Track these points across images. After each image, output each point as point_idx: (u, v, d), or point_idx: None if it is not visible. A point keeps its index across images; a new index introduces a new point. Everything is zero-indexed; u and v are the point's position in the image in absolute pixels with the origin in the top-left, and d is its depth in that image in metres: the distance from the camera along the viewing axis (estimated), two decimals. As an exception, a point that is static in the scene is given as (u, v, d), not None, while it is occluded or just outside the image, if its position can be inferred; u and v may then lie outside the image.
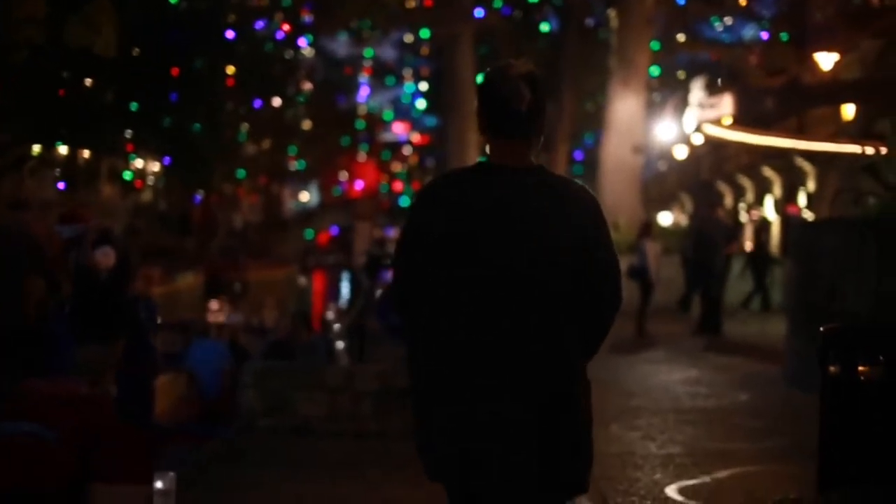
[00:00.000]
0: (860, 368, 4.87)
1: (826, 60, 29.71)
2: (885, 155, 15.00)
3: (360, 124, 61.86)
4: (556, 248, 3.61)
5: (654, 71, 39.71)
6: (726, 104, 22.84)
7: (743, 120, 23.43)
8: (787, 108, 24.36)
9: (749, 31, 42.10)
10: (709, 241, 18.05)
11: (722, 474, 7.66)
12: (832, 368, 5.00)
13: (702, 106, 24.77)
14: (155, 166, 39.49)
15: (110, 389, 9.49)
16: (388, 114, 62.54)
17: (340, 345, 15.53)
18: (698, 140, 33.58)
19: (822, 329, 5.18)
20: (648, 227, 19.48)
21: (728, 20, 40.28)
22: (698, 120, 25.40)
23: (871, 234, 10.70)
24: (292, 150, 52.37)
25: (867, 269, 10.72)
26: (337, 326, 17.19)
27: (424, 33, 39.83)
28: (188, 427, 12.25)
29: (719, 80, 30.23)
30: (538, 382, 3.60)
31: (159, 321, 15.57)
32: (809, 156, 31.38)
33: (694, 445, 8.75)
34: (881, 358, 4.84)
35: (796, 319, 12.89)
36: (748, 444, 8.89)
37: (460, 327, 3.61)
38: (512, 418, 3.58)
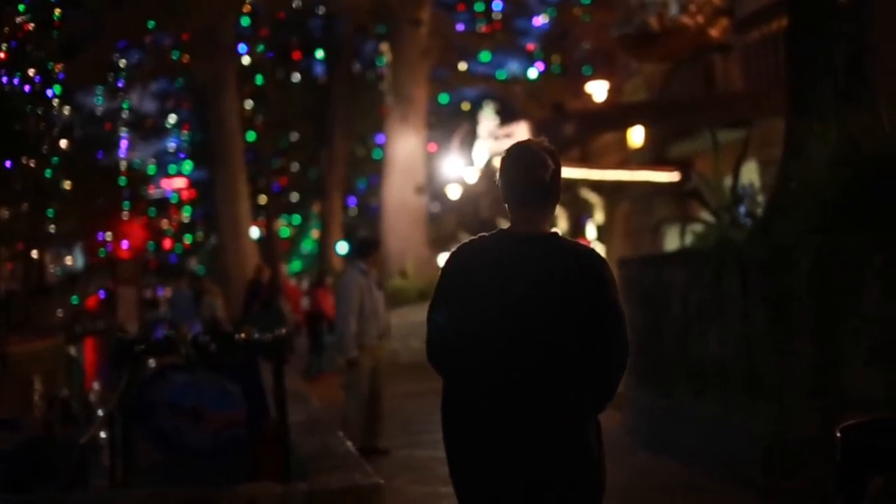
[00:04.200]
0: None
1: (598, 90, 28.95)
2: (704, 178, 14.09)
3: (123, 181, 58.55)
4: (568, 306, 3.80)
5: (444, 98, 38.68)
6: (522, 133, 21.33)
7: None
8: (588, 134, 23.09)
9: (513, 65, 41.71)
10: None
11: None
12: (870, 495, 3.12)
13: (495, 137, 23.13)
14: None
15: None
16: (151, 168, 59.45)
17: (104, 435, 13.14)
18: (473, 179, 31.97)
19: (840, 432, 3.27)
20: None
21: (494, 53, 39.59)
22: (491, 152, 23.78)
23: (733, 266, 9.01)
24: (50, 212, 49.18)
25: (730, 307, 9.06)
26: (101, 413, 14.75)
27: (182, 78, 37.73)
28: None
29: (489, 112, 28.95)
30: (553, 431, 3.78)
31: None
32: (596, 186, 30.28)
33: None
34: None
35: (640, 370, 11.22)
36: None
37: (481, 380, 3.83)
38: (527, 463, 3.77)
